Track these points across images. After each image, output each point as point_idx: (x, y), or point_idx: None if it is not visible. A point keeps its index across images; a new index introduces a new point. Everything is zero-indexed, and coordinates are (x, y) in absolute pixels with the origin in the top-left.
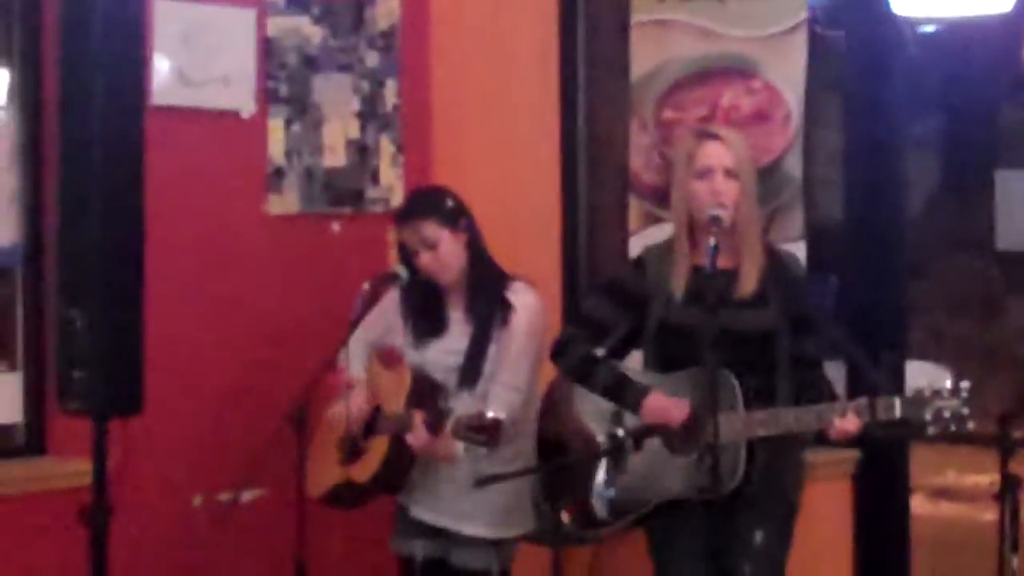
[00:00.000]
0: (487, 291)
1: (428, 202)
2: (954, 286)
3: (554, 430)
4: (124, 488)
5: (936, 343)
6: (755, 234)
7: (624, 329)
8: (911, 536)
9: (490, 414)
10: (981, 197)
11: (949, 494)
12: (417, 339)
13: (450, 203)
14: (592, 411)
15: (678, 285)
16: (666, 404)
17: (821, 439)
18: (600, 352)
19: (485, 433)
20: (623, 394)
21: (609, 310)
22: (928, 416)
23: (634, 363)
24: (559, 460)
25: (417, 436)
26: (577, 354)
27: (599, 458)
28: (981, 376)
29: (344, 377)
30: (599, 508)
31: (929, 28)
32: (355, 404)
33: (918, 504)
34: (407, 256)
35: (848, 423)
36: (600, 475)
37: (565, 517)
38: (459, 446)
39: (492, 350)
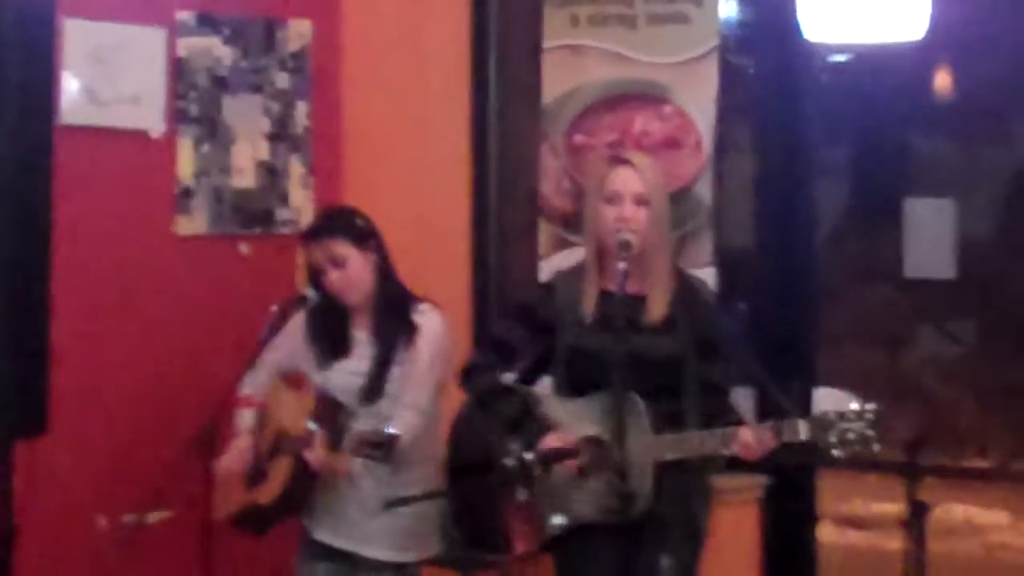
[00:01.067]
0: (393, 312)
1: (338, 221)
2: (862, 314)
3: (464, 453)
4: (29, 510)
5: (843, 371)
6: (664, 260)
7: (533, 354)
8: (818, 563)
9: (388, 430)
10: (890, 225)
11: (856, 522)
12: (321, 360)
13: (360, 223)
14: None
15: (587, 310)
16: (558, 448)
17: (731, 465)
18: (509, 377)
19: (381, 448)
20: (521, 430)
21: (518, 335)
22: (834, 438)
23: (543, 389)
24: (467, 483)
25: (315, 453)
26: (484, 381)
27: (507, 482)
28: (889, 404)
29: (247, 400)
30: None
31: (840, 57)
32: (241, 447)
33: (825, 532)
34: (315, 275)
35: (756, 441)
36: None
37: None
38: (357, 462)
39: (396, 371)
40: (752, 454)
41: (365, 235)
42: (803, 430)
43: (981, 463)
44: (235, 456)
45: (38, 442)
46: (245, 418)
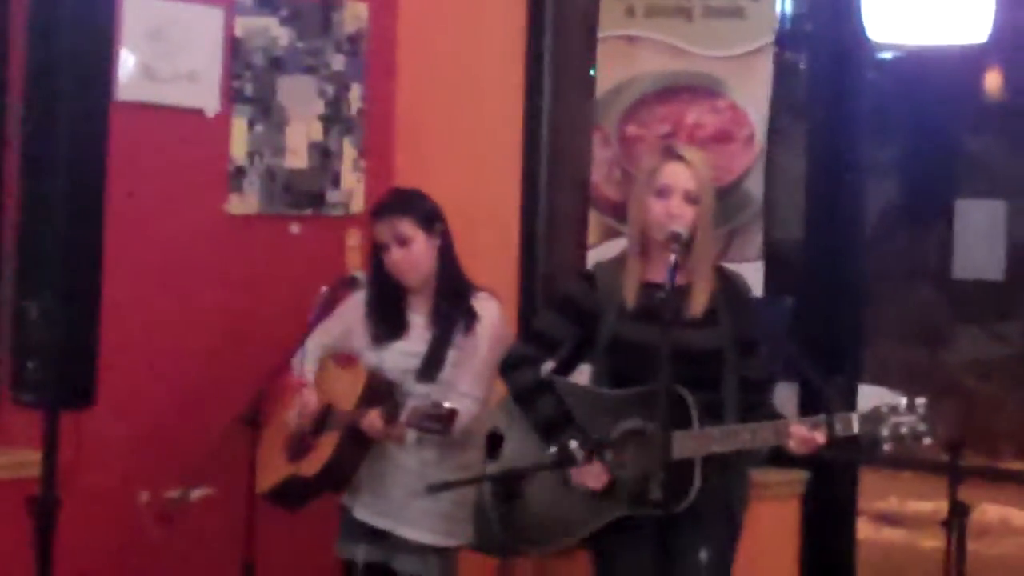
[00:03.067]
0: (453, 297)
1: (407, 201)
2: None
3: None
4: (73, 481)
5: (885, 370)
6: (708, 255)
7: (573, 343)
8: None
9: (446, 404)
10: (939, 225)
11: (891, 519)
12: (376, 340)
13: (429, 205)
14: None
15: (629, 300)
16: (585, 469)
17: (773, 459)
18: (548, 367)
19: (440, 422)
20: (555, 437)
21: (560, 325)
22: (885, 432)
23: (582, 377)
24: (510, 470)
25: (371, 421)
26: (526, 377)
27: (550, 469)
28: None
29: (297, 379)
30: None
31: (894, 55)
32: (306, 399)
33: (861, 528)
34: (377, 252)
35: (809, 434)
36: None
37: None
38: (411, 435)
39: (451, 355)
40: (805, 448)
41: (432, 218)
42: (856, 423)
43: (1020, 465)
44: (306, 401)
45: (84, 414)
46: (308, 370)
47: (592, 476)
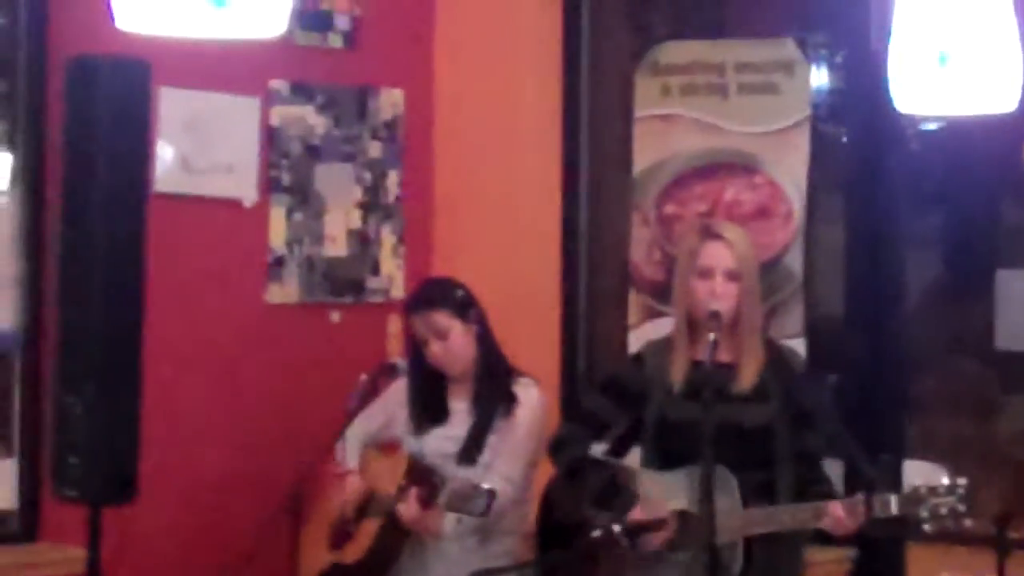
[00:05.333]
0: (494, 382)
1: (440, 292)
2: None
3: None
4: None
5: (932, 443)
6: (755, 330)
7: (623, 426)
8: None
9: (484, 485)
10: (981, 296)
11: None
12: (417, 427)
13: (460, 293)
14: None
15: (677, 380)
16: (645, 520)
17: (819, 536)
18: (599, 449)
19: (477, 502)
20: (610, 502)
21: (608, 406)
22: (924, 513)
23: (633, 460)
24: (553, 555)
25: (408, 507)
26: (573, 453)
27: (593, 552)
28: (978, 476)
29: (339, 468)
30: None
31: (932, 126)
32: (350, 486)
33: None
34: (416, 346)
35: (847, 516)
36: None
37: None
38: (447, 522)
39: (492, 440)
40: (843, 529)
41: (466, 306)
42: (895, 505)
43: None
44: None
45: (127, 508)
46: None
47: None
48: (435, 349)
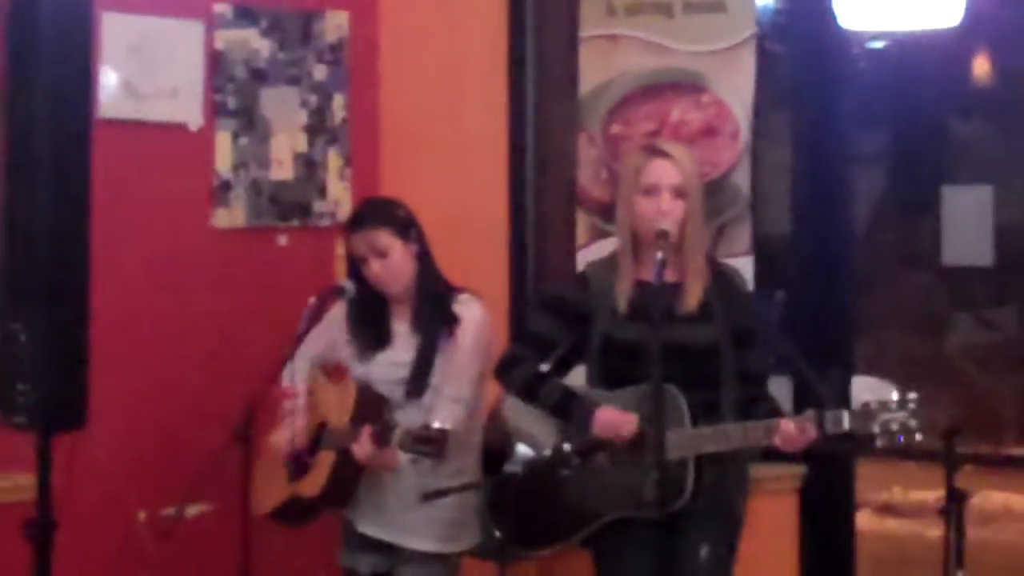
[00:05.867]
0: (434, 303)
1: (380, 211)
2: (900, 302)
3: (500, 444)
4: (68, 503)
5: (882, 359)
6: (700, 249)
7: (568, 345)
8: (856, 552)
9: (436, 425)
10: (928, 212)
11: (894, 510)
12: (362, 352)
13: (401, 212)
14: (538, 427)
15: (622, 300)
16: (616, 418)
17: (768, 454)
18: (545, 368)
19: (432, 444)
20: (571, 409)
21: (553, 326)
22: (876, 429)
23: (577, 380)
24: (503, 474)
25: (362, 447)
26: (522, 372)
27: (543, 472)
28: (927, 391)
29: (288, 391)
30: None
31: (877, 43)
32: (298, 426)
33: (863, 520)
34: (356, 265)
35: (799, 432)
36: None
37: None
38: (403, 456)
39: (438, 362)
40: (794, 446)
41: (407, 225)
42: (846, 421)
43: (1020, 450)
44: (292, 434)
45: (77, 435)
46: (295, 403)
47: (623, 423)
48: (375, 268)
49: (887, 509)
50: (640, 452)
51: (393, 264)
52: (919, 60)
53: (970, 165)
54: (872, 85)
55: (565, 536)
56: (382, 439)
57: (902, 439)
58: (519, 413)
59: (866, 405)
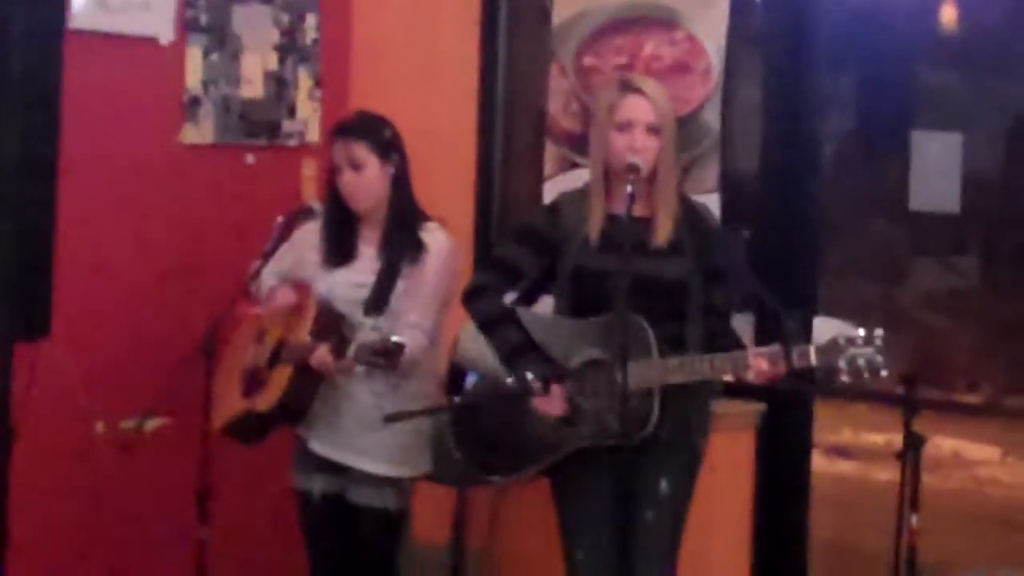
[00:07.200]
0: (402, 227)
1: (366, 125)
2: (864, 245)
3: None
4: (28, 412)
5: (841, 303)
6: (671, 185)
7: (536, 274)
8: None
9: (393, 338)
10: (896, 157)
11: (845, 452)
12: (325, 264)
13: (389, 133)
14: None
15: (593, 231)
16: (546, 397)
17: (729, 390)
18: (513, 296)
19: (388, 357)
20: (519, 363)
21: (522, 255)
22: (842, 364)
23: (545, 308)
24: (468, 400)
25: (319, 356)
26: (487, 306)
27: (507, 399)
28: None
29: (253, 309)
30: None
31: None
32: (282, 296)
33: (815, 460)
34: (332, 174)
35: (769, 365)
36: None
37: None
38: (359, 370)
39: (400, 287)
40: (764, 378)
41: (388, 145)
42: (813, 355)
43: (972, 398)
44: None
45: (39, 345)
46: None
47: (553, 403)
48: (347, 178)
49: (838, 451)
50: (604, 381)
51: (364, 179)
52: (889, 7)
53: (939, 111)
54: (843, 28)
55: (527, 464)
56: (338, 351)
57: (868, 375)
58: (476, 342)
59: (834, 340)
